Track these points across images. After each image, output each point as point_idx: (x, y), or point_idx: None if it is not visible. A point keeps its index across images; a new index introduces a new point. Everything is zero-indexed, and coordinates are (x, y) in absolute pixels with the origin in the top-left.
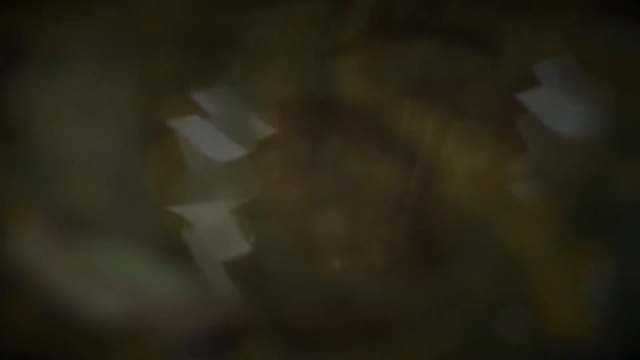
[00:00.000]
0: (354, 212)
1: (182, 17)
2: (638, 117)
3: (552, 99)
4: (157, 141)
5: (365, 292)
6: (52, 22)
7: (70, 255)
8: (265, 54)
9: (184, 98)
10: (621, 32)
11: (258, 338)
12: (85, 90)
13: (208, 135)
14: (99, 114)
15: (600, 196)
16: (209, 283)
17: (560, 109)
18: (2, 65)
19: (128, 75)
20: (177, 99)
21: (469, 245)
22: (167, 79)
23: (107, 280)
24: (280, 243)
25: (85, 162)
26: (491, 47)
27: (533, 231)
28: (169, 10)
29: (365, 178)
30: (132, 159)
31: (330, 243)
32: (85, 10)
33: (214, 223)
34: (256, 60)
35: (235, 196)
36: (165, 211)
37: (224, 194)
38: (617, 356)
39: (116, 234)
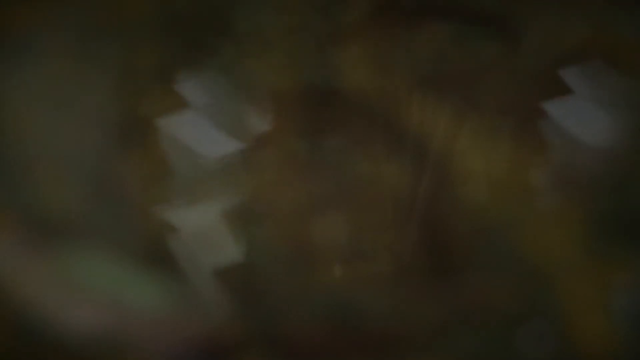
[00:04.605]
0: (358, 216)
1: None
2: None
3: (578, 91)
4: (139, 137)
5: (371, 304)
6: (22, 5)
7: (43, 263)
8: (259, 39)
9: (169, 89)
10: None
11: (251, 355)
12: (59, 80)
13: (196, 130)
14: (75, 106)
15: (631, 201)
16: (197, 294)
17: (587, 104)
18: None
19: (107, 64)
20: (162, 89)
21: (486, 254)
22: (151, 67)
23: (84, 292)
24: (276, 250)
25: (59, 161)
26: (510, 34)
27: (557, 238)
28: None
29: (370, 178)
30: (111, 156)
31: (331, 250)
32: None
33: (203, 228)
34: (250, 47)
35: (226, 198)
36: (148, 215)
37: (213, 196)
38: None
39: (94, 240)
